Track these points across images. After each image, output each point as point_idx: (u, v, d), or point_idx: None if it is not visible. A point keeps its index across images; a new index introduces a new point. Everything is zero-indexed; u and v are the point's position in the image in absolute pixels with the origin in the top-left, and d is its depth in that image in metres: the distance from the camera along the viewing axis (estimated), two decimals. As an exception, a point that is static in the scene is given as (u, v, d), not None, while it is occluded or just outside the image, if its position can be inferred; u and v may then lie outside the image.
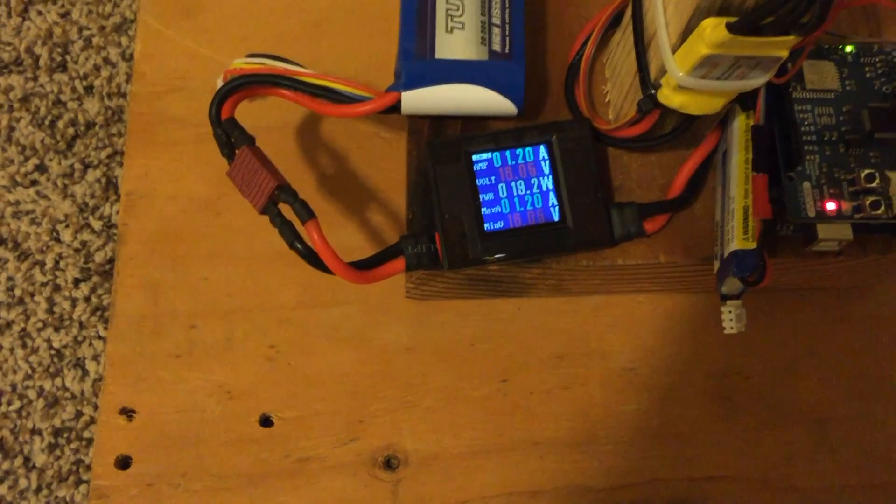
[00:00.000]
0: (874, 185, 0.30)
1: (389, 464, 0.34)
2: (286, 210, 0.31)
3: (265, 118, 0.36)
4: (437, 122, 0.34)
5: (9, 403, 0.36)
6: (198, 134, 0.38)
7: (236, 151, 0.31)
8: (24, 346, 0.36)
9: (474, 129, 0.33)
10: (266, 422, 0.34)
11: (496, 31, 0.33)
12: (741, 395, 0.35)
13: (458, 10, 0.33)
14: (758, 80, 0.27)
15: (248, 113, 0.33)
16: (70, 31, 0.41)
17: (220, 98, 0.32)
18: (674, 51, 0.27)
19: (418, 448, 0.34)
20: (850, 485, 0.35)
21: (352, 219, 0.37)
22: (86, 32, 0.41)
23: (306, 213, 0.30)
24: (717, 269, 0.31)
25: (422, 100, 0.32)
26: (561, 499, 0.34)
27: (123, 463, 0.34)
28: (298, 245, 0.30)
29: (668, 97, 0.28)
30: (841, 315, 0.37)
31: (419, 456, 0.34)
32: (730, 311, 0.30)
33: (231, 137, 0.32)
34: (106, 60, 0.41)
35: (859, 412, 0.35)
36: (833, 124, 0.31)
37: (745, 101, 0.31)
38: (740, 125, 0.31)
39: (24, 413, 0.36)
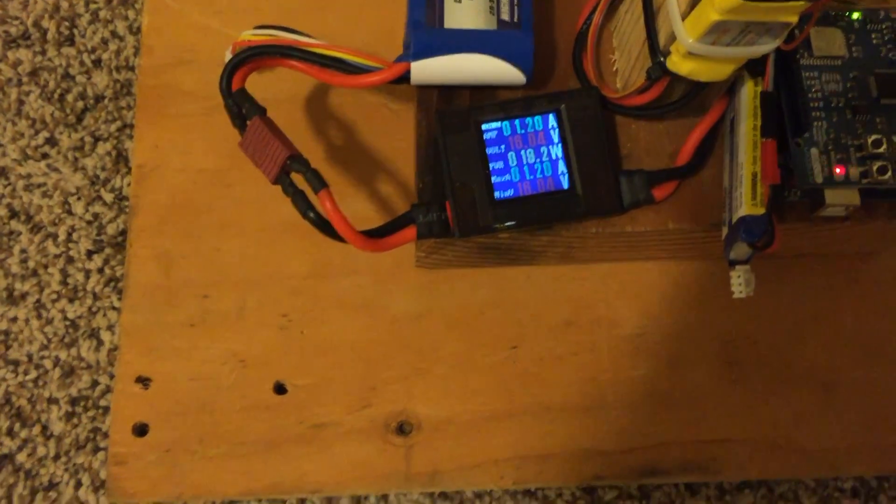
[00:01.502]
0: (881, 150, 0.30)
1: (402, 429, 0.35)
2: (298, 180, 0.32)
3: (274, 90, 0.37)
4: (446, 92, 0.34)
5: (25, 373, 0.36)
6: (207, 107, 0.38)
7: (248, 123, 0.31)
8: (39, 316, 0.37)
9: (483, 98, 0.34)
10: (280, 389, 0.35)
11: (504, 0, 0.33)
12: (748, 360, 0.36)
13: (466, -21, 0.33)
14: (767, 46, 0.27)
15: (257, 85, 0.33)
16: (77, 5, 0.41)
17: (231, 69, 0.32)
18: (683, 18, 0.27)
19: (430, 414, 0.35)
20: (857, 446, 0.35)
21: (362, 189, 0.37)
22: (92, 6, 0.41)
23: (319, 182, 0.30)
24: (725, 235, 0.32)
25: (431, 70, 0.32)
26: (571, 462, 0.34)
27: (140, 430, 0.34)
28: (311, 214, 0.31)
29: (678, 64, 0.29)
30: (847, 280, 0.37)
31: (431, 421, 0.35)
32: (738, 276, 0.30)
33: (242, 109, 0.32)
34: (113, 34, 0.41)
35: (866, 376, 0.36)
36: (840, 91, 0.31)
37: (753, 68, 0.31)
38: (748, 92, 0.31)
39: (40, 383, 0.36)
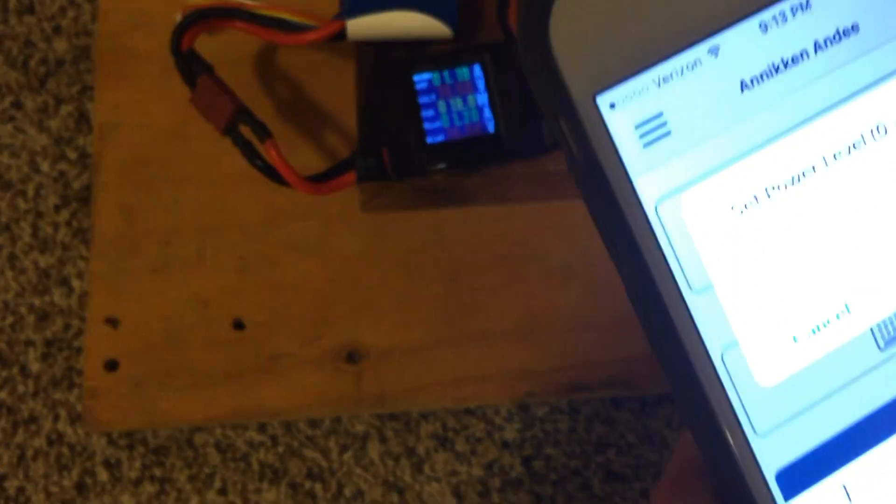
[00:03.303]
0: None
1: (352, 357, 0.38)
2: (247, 133, 0.35)
3: (227, 50, 0.39)
4: (383, 48, 0.37)
5: (3, 318, 0.39)
6: (162, 67, 0.40)
7: (197, 80, 0.34)
8: (13, 267, 0.39)
9: (417, 52, 0.37)
10: (239, 325, 0.38)
11: (431, -40, 0.36)
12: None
13: (394, -59, 0.36)
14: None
15: (211, 46, 0.36)
16: (35, -25, 0.43)
17: (179, 31, 0.35)
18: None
19: (377, 343, 0.38)
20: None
21: (309, 141, 0.40)
22: (50, -25, 0.44)
23: (264, 132, 0.33)
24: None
25: (364, 27, 0.35)
26: (505, 382, 0.38)
27: (111, 366, 0.37)
28: (258, 162, 0.34)
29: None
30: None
31: (378, 350, 0.38)
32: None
33: (192, 67, 0.35)
34: (71, 2, 0.43)
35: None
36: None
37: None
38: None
39: (17, 327, 0.39)
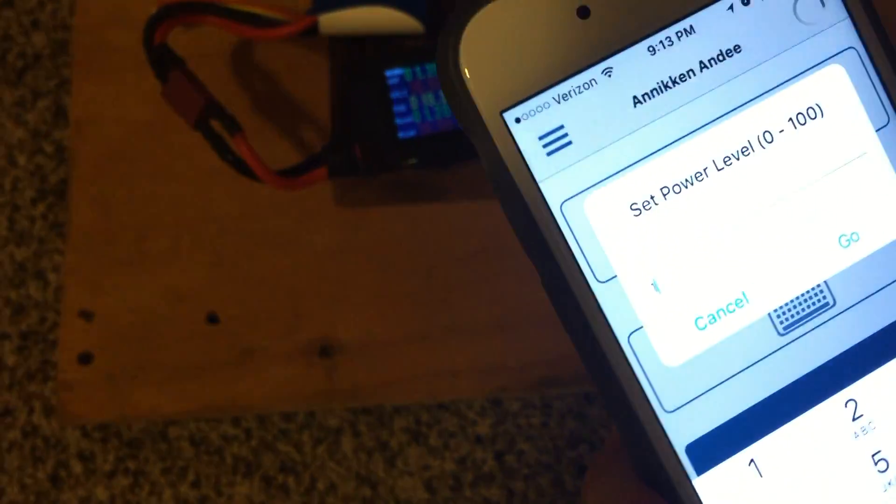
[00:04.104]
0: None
1: (325, 352, 0.38)
2: (219, 127, 0.35)
3: (203, 45, 0.39)
4: (356, 43, 0.37)
5: (-22, 312, 0.39)
6: (139, 62, 0.40)
7: (168, 74, 0.34)
8: (-11, 261, 0.40)
9: (389, 48, 0.37)
10: (213, 319, 0.38)
11: (404, -44, 0.36)
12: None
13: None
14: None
15: (188, 41, 0.36)
16: (14, -31, 0.44)
17: (152, 25, 0.35)
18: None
19: (351, 337, 0.38)
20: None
21: (283, 135, 0.40)
22: (30, -31, 0.44)
23: (234, 127, 0.33)
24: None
25: (336, 22, 0.35)
26: (478, 376, 0.38)
27: (85, 359, 0.37)
28: (229, 156, 0.34)
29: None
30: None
31: (352, 344, 0.38)
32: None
33: (164, 62, 0.35)
34: (50, -4, 0.43)
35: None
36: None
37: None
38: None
39: (-7, 321, 0.39)
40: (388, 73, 0.35)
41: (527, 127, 0.18)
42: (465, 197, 0.40)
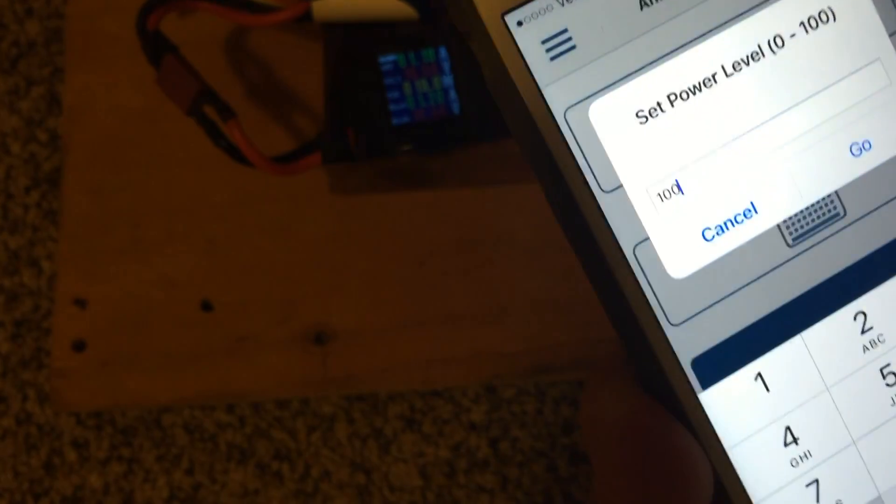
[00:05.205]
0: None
1: (319, 339, 0.38)
2: (212, 113, 0.35)
3: (196, 32, 0.39)
4: (350, 30, 0.37)
5: (-28, 300, 0.39)
6: (133, 50, 0.40)
7: (162, 60, 0.34)
8: (-18, 248, 0.40)
9: (383, 34, 0.37)
10: (207, 306, 0.38)
11: (398, -58, 0.36)
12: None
13: (360, -77, 0.36)
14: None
15: (180, 27, 0.36)
16: (7, -43, 0.43)
17: (145, 12, 0.35)
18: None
19: (345, 324, 0.38)
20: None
21: (278, 122, 0.40)
22: (23, -43, 0.44)
23: (227, 113, 0.33)
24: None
25: (329, 8, 0.35)
26: (472, 364, 0.38)
27: (79, 346, 0.37)
28: (222, 142, 0.34)
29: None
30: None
31: (346, 331, 0.38)
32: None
33: (157, 48, 0.35)
34: (44, -16, 0.43)
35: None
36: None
37: None
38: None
39: (-14, 309, 0.39)
40: (382, 59, 0.35)
41: (529, 30, 0.18)
42: (460, 184, 0.40)
